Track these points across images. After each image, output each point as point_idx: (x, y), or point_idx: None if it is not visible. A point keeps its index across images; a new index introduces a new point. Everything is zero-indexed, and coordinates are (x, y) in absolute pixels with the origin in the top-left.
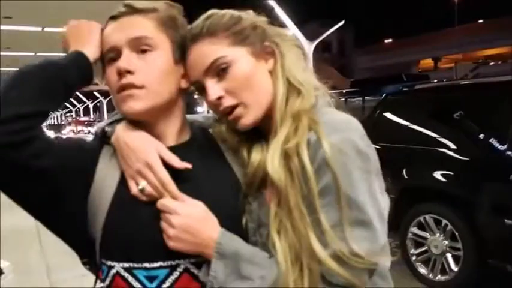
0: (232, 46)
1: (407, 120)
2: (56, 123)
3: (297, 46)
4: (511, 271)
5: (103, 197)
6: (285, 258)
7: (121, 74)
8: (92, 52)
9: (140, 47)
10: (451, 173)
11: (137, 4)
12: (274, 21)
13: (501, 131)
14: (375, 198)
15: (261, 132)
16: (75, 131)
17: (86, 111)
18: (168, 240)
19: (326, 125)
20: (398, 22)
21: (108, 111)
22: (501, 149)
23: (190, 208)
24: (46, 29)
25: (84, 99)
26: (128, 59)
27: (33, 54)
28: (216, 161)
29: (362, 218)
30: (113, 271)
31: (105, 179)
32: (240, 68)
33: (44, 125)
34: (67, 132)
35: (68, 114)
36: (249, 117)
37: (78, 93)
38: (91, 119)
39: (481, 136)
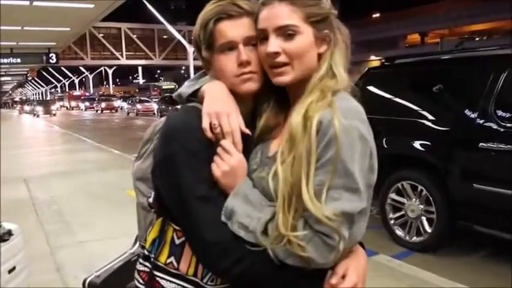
0: (304, 22)
1: (389, 93)
2: (41, 99)
3: (347, 43)
4: (477, 230)
5: None
6: (282, 191)
7: (242, 64)
8: None
9: (250, 41)
10: (428, 142)
11: (245, 6)
12: None
13: (474, 102)
14: (365, 174)
15: (280, 98)
16: (68, 107)
17: (71, 87)
18: (216, 170)
19: (341, 108)
20: None
21: (93, 87)
22: (472, 118)
23: (240, 156)
24: (35, 3)
25: (70, 74)
26: (247, 53)
27: (19, 28)
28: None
29: (354, 186)
30: None
31: None
32: (303, 41)
33: (35, 101)
34: (57, 109)
35: (53, 90)
36: (289, 77)
37: (63, 68)
38: (87, 94)
39: (457, 108)
